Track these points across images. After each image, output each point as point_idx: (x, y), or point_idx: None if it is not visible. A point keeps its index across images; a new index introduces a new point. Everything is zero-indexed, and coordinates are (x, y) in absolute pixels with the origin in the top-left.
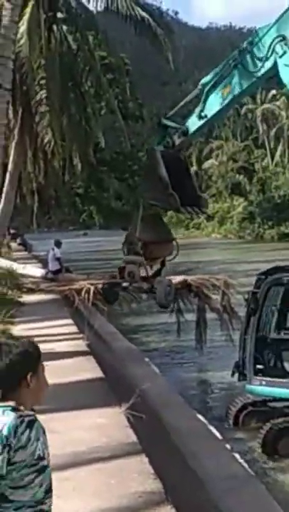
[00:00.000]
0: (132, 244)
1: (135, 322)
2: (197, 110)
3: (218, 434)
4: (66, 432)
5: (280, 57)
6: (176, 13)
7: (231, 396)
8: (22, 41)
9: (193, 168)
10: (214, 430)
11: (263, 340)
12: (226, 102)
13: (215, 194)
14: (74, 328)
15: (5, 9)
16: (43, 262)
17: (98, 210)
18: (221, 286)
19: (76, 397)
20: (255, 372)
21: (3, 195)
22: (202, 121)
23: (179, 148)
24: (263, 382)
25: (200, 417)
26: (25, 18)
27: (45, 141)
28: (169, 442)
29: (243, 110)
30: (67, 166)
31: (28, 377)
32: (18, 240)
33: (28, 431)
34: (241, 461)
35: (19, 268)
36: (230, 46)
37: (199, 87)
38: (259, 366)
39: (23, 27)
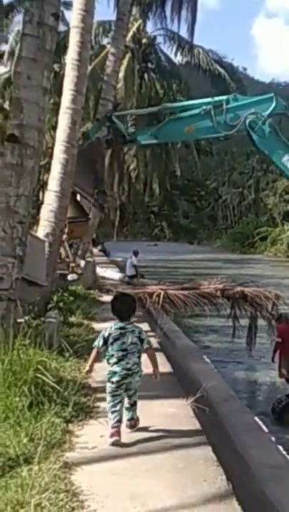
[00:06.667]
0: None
1: (196, 323)
2: (153, 130)
3: (264, 427)
4: (144, 418)
5: (254, 131)
6: (245, 69)
7: (275, 393)
8: (119, 85)
9: (251, 197)
10: (261, 423)
11: None
12: (184, 138)
13: (269, 219)
14: (146, 327)
15: (109, 61)
16: (120, 267)
17: (169, 225)
18: (272, 298)
19: (150, 389)
20: None
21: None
22: (154, 141)
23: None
24: None
25: (249, 411)
26: (123, 67)
27: (131, 167)
28: (224, 433)
29: None
30: (147, 189)
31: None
32: (99, 247)
33: None
34: (284, 452)
35: (101, 271)
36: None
37: (160, 107)
38: None
39: (120, 74)
